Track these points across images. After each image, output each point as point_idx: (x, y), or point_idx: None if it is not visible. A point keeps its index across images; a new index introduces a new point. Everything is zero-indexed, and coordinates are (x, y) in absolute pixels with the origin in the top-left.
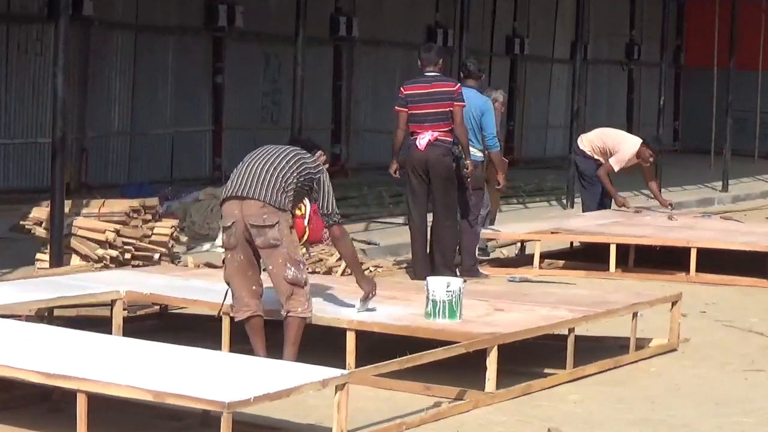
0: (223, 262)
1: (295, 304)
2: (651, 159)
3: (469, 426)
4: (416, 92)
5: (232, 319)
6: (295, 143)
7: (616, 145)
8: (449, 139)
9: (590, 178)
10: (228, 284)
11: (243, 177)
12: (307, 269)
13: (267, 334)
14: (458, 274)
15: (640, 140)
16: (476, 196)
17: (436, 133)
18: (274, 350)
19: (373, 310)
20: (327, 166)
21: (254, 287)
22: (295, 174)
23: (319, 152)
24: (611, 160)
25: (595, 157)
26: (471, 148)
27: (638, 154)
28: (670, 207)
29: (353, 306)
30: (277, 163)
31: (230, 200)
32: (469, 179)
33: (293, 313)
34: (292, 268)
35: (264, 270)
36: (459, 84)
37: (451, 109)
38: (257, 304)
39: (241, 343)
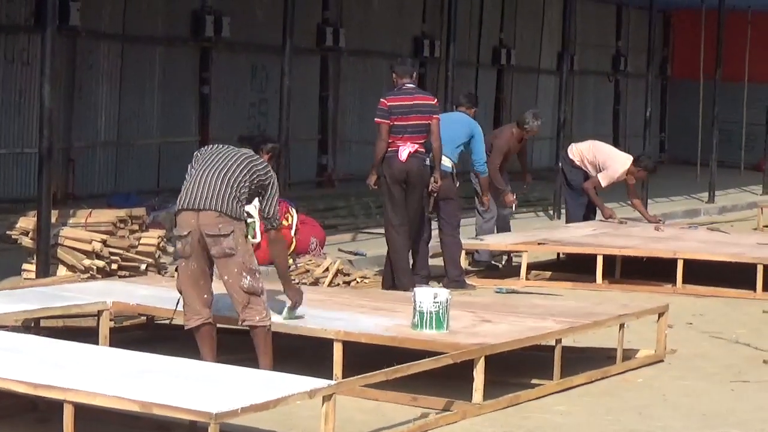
0: (176, 270)
1: (252, 313)
2: (643, 176)
3: None
4: (400, 104)
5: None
6: (243, 142)
7: (606, 160)
8: (424, 150)
9: (577, 188)
10: (180, 292)
11: (197, 187)
12: (262, 276)
13: (236, 344)
14: (427, 281)
15: (631, 158)
16: (452, 206)
17: (415, 145)
18: (251, 362)
19: (301, 317)
20: (272, 163)
21: (206, 296)
22: (247, 182)
23: (269, 145)
24: (600, 176)
25: (584, 167)
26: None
27: (629, 172)
28: (661, 222)
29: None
30: (230, 170)
31: (186, 211)
32: (435, 193)
33: (251, 322)
34: (248, 277)
35: (219, 279)
36: (436, 98)
37: (430, 122)
38: (208, 313)
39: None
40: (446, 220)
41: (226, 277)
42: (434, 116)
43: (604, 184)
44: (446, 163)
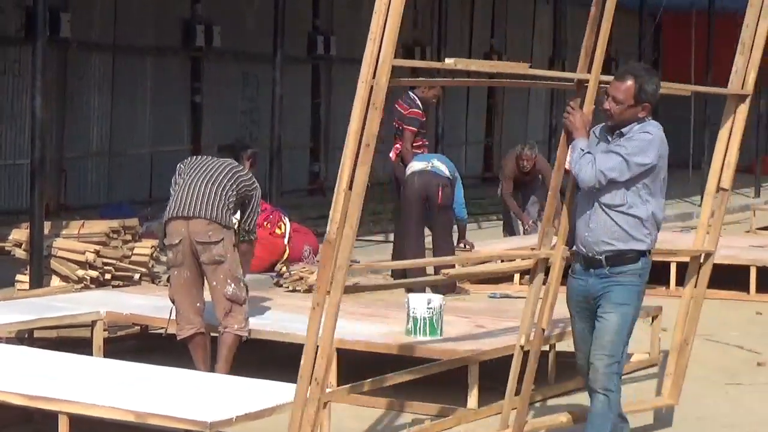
0: (168, 280)
1: (232, 321)
2: None
3: None
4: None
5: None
6: (223, 152)
7: None
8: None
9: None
10: (172, 301)
11: (186, 196)
12: (247, 288)
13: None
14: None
15: None
16: (450, 214)
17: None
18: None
19: None
20: (254, 168)
21: (198, 304)
22: (234, 190)
23: (249, 151)
24: None
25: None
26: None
27: None
28: None
29: None
30: (217, 180)
31: (176, 219)
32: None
33: (229, 329)
34: (233, 285)
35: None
36: (411, 108)
37: (401, 127)
38: (201, 321)
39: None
40: (443, 226)
41: (214, 283)
42: (404, 125)
43: None
44: (445, 171)
